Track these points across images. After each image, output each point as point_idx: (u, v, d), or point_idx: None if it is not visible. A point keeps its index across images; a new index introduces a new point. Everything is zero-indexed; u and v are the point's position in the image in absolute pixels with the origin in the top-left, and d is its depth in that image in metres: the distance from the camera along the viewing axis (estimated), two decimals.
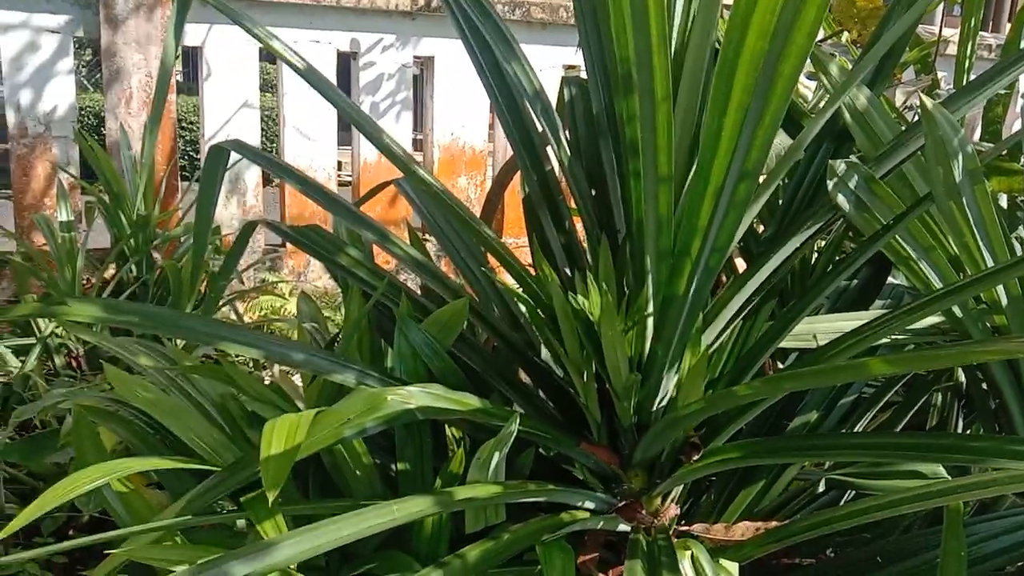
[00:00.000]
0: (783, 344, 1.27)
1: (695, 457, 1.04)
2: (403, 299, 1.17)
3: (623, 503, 1.10)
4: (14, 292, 3.22)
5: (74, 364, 2.71)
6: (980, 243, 0.99)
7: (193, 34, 3.62)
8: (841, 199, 0.96)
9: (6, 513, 1.75)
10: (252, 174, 3.82)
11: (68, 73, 3.37)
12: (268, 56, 3.92)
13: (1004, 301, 1.24)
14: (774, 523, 1.21)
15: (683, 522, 1.23)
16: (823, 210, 1.00)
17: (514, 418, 0.91)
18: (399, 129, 4.12)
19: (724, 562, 1.13)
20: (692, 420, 0.95)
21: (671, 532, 1.16)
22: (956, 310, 1.25)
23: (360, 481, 1.12)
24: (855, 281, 1.45)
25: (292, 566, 0.97)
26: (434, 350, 1.15)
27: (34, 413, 1.88)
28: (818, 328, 1.33)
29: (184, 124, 8.59)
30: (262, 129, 4.28)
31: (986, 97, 0.99)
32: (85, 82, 14.83)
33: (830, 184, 0.94)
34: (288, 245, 3.86)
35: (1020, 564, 1.40)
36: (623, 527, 1.10)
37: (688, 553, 1.06)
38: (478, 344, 1.27)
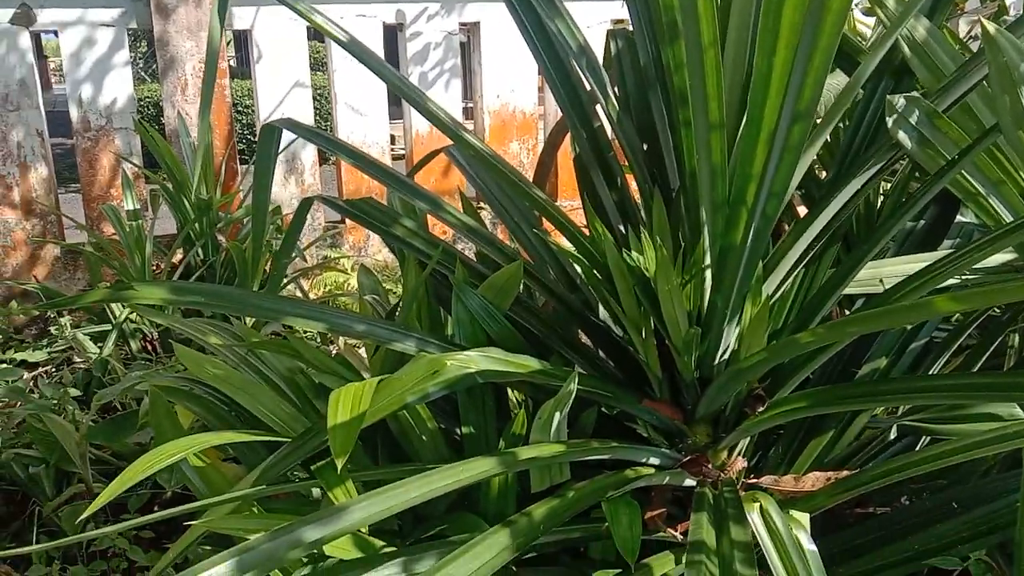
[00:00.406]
0: (849, 291, 1.24)
1: (760, 409, 1.03)
2: (458, 266, 1.17)
3: (688, 458, 1.09)
4: (88, 282, 3.34)
5: (149, 348, 2.81)
6: None
7: (242, 17, 3.66)
8: (902, 136, 0.93)
9: (94, 492, 1.83)
10: (308, 153, 3.87)
11: (124, 65, 3.45)
12: (317, 35, 3.95)
13: None
14: (845, 472, 1.20)
15: (752, 475, 1.22)
16: (884, 149, 0.97)
17: (572, 377, 0.91)
18: (449, 98, 4.11)
19: (794, 513, 1.12)
20: (755, 371, 0.94)
21: (739, 485, 1.15)
22: None
23: (426, 446, 1.14)
24: (922, 222, 1.41)
25: (364, 529, 1.00)
26: (491, 314, 1.16)
27: (114, 396, 1.96)
28: (884, 272, 1.29)
29: (240, 108, 8.74)
30: (315, 108, 4.33)
31: None
32: (143, 73, 15.20)
33: (890, 121, 0.91)
34: (347, 221, 3.91)
35: None
36: (689, 482, 1.09)
37: (756, 505, 1.06)
38: (536, 308, 1.27)
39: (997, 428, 1.11)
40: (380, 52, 3.90)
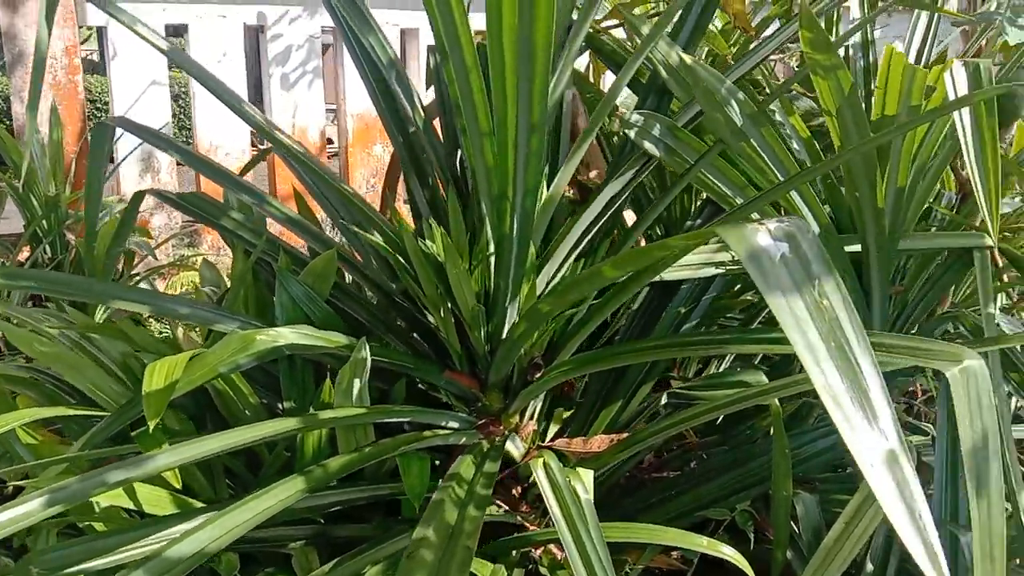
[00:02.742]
0: None
1: (537, 375, 1.20)
2: (282, 255, 1.29)
3: (482, 421, 1.25)
4: None
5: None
6: (779, 175, 1.15)
7: (96, 14, 3.62)
8: (649, 146, 1.12)
9: None
10: (166, 155, 3.85)
11: None
12: (177, 32, 3.93)
13: (816, 229, 1.42)
14: (624, 435, 1.39)
15: (549, 440, 1.39)
16: (637, 157, 1.16)
17: (361, 345, 1.04)
18: (312, 96, 4.18)
19: (580, 470, 1.30)
20: (523, 341, 1.10)
21: (532, 447, 1.32)
22: None
23: (249, 419, 1.25)
24: (699, 220, 1.63)
25: (178, 482, 1.10)
26: (312, 300, 1.28)
27: None
28: None
29: (100, 104, 8.44)
30: (180, 106, 4.30)
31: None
32: None
33: (631, 133, 1.09)
34: None
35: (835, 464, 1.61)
36: (483, 442, 1.25)
37: (540, 461, 1.23)
38: (361, 295, 1.40)
39: (740, 391, 1.33)
40: (240, 53, 3.94)
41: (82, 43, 5.20)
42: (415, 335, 1.39)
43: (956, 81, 1.04)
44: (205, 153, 3.63)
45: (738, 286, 1.72)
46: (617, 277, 0.88)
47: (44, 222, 2.86)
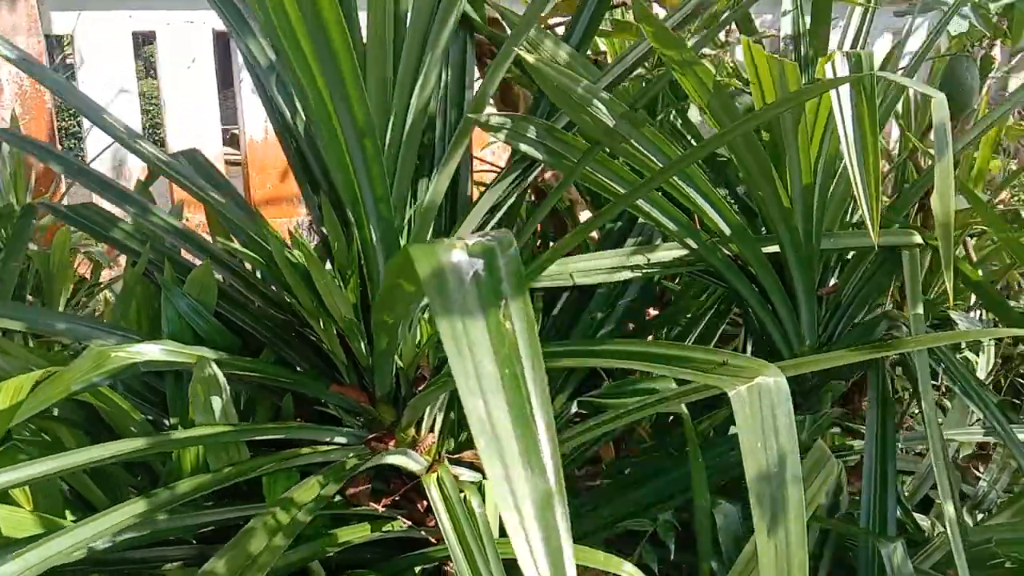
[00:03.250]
0: (544, 284, 1.40)
1: (421, 387, 1.16)
2: (167, 265, 1.26)
3: (373, 435, 1.21)
4: None
5: None
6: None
7: (62, 22, 3.60)
8: (526, 148, 1.07)
9: None
10: (137, 160, 3.83)
11: None
12: (145, 39, 3.92)
13: (727, 231, 1.37)
14: None
15: (454, 452, 1.35)
16: (519, 160, 1.11)
17: (204, 362, 1.01)
18: None
19: (478, 483, 1.26)
20: (390, 353, 1.06)
21: (436, 459, 1.28)
22: (691, 243, 1.39)
23: (135, 435, 1.22)
24: (619, 223, 1.58)
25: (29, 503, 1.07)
26: (199, 313, 1.24)
27: None
28: (577, 267, 1.45)
29: (70, 112, 8.44)
30: (149, 113, 4.29)
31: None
32: None
33: (500, 136, 1.05)
34: None
35: None
36: (395, 460, 1.20)
37: (434, 476, 1.19)
38: (256, 308, 1.37)
39: (645, 398, 1.29)
40: (210, 58, 3.92)
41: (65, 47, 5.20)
42: (305, 346, 1.35)
43: (837, 72, 0.99)
44: None
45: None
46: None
47: (1, 230, 2.85)
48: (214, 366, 1.01)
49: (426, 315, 1.15)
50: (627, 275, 1.47)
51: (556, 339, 1.48)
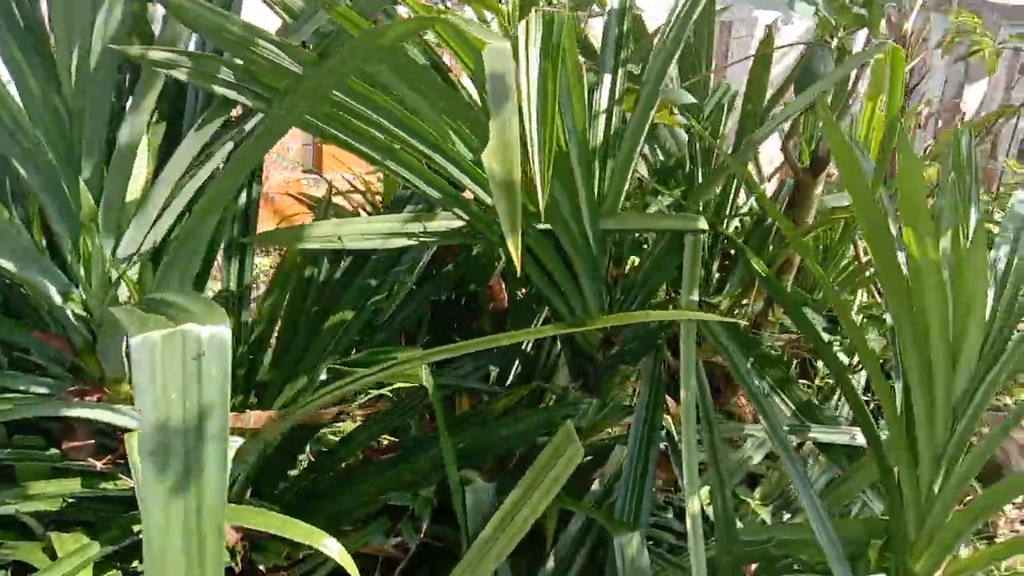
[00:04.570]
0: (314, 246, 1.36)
1: None
2: None
3: (75, 387, 1.16)
4: None
5: None
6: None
7: None
8: (223, 91, 1.01)
9: None
10: None
11: None
12: None
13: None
14: (284, 412, 1.31)
15: None
16: (217, 106, 1.05)
17: None
18: None
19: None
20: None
21: None
22: (461, 213, 1.34)
23: None
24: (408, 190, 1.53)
25: None
26: None
27: None
28: (345, 230, 1.40)
29: None
30: None
31: None
32: None
33: (180, 75, 0.98)
34: None
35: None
36: (82, 412, 1.15)
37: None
38: None
39: (378, 369, 1.24)
40: None
41: None
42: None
43: (529, 35, 0.93)
44: None
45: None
46: None
47: None
48: None
49: None
50: (403, 242, 1.42)
51: (323, 307, 1.43)
